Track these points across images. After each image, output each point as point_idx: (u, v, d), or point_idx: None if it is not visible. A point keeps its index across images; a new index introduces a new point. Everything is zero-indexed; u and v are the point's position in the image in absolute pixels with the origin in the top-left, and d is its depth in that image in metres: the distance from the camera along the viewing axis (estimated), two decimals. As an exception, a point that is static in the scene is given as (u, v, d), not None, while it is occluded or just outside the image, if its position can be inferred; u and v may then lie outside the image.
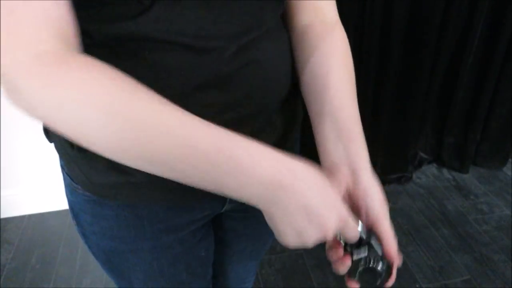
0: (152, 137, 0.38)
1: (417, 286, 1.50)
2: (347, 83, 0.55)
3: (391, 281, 0.51)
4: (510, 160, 2.15)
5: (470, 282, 1.52)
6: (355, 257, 0.49)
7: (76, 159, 0.55)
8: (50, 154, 1.71)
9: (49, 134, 0.60)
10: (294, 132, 0.65)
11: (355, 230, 0.47)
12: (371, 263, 0.49)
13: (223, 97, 0.49)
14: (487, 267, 1.58)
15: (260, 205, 0.42)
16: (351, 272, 0.50)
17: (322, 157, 0.54)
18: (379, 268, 0.49)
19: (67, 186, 0.62)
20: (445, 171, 2.12)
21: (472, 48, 1.80)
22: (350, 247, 0.50)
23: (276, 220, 0.43)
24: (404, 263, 1.59)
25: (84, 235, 0.64)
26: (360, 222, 0.48)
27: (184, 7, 0.44)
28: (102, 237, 0.61)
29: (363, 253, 0.49)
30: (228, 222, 0.74)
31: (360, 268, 0.50)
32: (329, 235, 0.43)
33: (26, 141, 1.67)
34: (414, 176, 2.06)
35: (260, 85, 0.52)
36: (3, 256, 1.62)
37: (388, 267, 0.50)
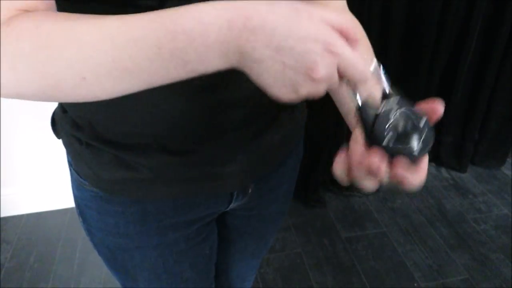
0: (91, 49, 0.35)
1: (415, 285, 1.50)
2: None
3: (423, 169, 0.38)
4: (508, 159, 2.15)
5: (468, 281, 1.53)
6: (381, 110, 0.36)
7: (84, 155, 0.55)
8: (49, 153, 1.71)
9: (57, 130, 0.61)
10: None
11: (360, 63, 0.35)
12: (405, 107, 0.36)
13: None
14: (485, 266, 1.58)
15: (235, 64, 0.36)
16: (378, 139, 0.36)
17: None
18: (421, 124, 0.36)
19: (74, 181, 0.62)
20: (443, 170, 2.12)
21: (471, 47, 1.80)
22: (370, 109, 0.36)
23: (254, 73, 0.36)
24: (402, 262, 1.60)
25: (89, 232, 0.64)
26: (375, 62, 0.37)
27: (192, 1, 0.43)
28: (108, 233, 0.61)
29: (390, 105, 0.36)
30: (231, 220, 0.74)
31: (392, 118, 0.36)
32: (319, 74, 0.33)
33: (24, 140, 1.67)
34: (412, 175, 2.06)
35: None
36: (2, 255, 1.62)
37: (430, 128, 0.37)
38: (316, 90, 0.35)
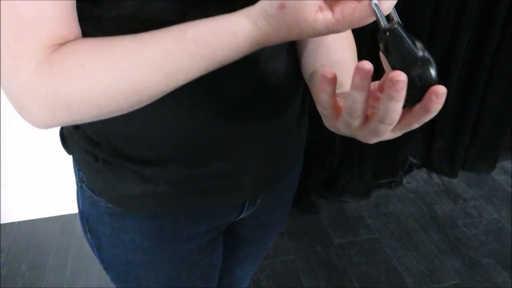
0: (146, 73, 0.39)
1: (407, 290, 1.51)
2: (348, 46, 0.55)
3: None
4: (498, 164, 2.18)
5: (459, 286, 1.54)
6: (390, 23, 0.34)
7: (101, 171, 0.55)
8: (41, 160, 1.70)
9: (68, 146, 0.60)
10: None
11: None
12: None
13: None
14: (476, 272, 1.60)
15: (266, 40, 0.38)
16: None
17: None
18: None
19: (85, 198, 0.61)
20: (434, 175, 2.14)
21: (460, 54, 1.83)
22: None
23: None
24: (394, 267, 1.61)
25: (99, 248, 0.64)
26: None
27: (211, 13, 0.43)
28: (122, 249, 0.61)
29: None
30: (238, 229, 0.75)
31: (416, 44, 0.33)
32: None
33: (15, 148, 1.66)
34: (404, 181, 2.08)
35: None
36: (-7, 263, 1.60)
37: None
38: None
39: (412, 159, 2.15)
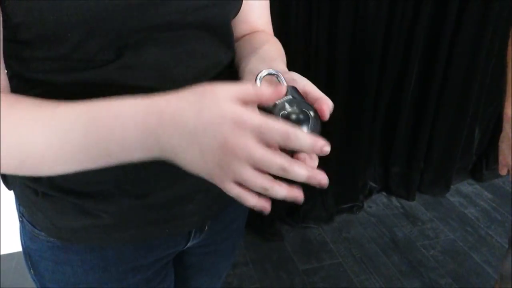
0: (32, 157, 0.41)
1: (370, 314, 1.53)
2: (277, 50, 0.59)
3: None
4: (453, 187, 2.28)
5: (420, 307, 1.58)
6: (279, 101, 0.41)
7: (41, 205, 0.55)
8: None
9: (8, 182, 0.59)
10: None
11: (276, 124, 0.36)
12: (298, 104, 0.41)
13: None
14: (435, 292, 1.65)
15: (159, 157, 0.40)
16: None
17: (243, 76, 0.53)
18: (311, 112, 0.42)
19: (26, 233, 0.60)
20: (394, 199, 2.21)
21: (410, 85, 1.94)
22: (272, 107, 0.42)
23: (182, 163, 0.39)
24: (358, 291, 1.63)
25: (42, 284, 0.62)
26: (274, 71, 0.44)
27: (147, 53, 0.47)
28: (65, 284, 0.60)
29: (286, 97, 0.42)
30: (188, 258, 0.75)
31: (287, 106, 0.41)
32: (234, 148, 0.36)
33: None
34: (365, 205, 2.14)
35: None
36: None
37: (316, 113, 0.43)
38: (239, 161, 0.36)
39: (372, 184, 2.21)
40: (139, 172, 0.52)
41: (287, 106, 0.41)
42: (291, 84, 0.46)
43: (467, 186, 2.32)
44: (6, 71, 0.45)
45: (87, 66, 0.45)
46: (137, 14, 0.44)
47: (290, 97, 0.42)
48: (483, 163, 2.33)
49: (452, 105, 2.04)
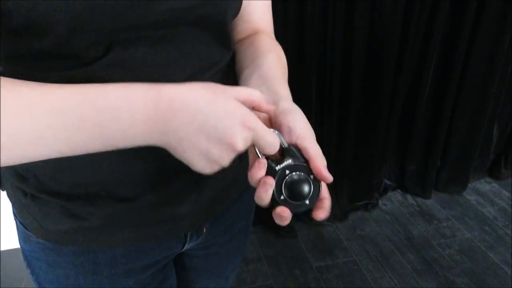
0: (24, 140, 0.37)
1: (385, 312, 1.52)
2: (279, 66, 0.57)
3: (324, 208, 0.44)
4: (470, 185, 2.25)
5: (435, 306, 1.56)
6: (279, 167, 0.43)
7: (29, 207, 0.54)
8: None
9: (1, 182, 0.59)
10: None
11: (271, 137, 0.41)
12: (299, 171, 0.43)
13: None
14: (451, 291, 1.63)
15: (159, 143, 0.40)
16: (276, 195, 0.43)
17: None
18: (311, 177, 0.43)
19: (20, 233, 0.60)
20: (409, 197, 2.19)
21: (427, 82, 1.91)
22: (272, 163, 0.43)
23: (179, 150, 0.40)
24: (372, 290, 1.62)
25: (39, 284, 0.62)
26: (276, 132, 0.43)
27: (137, 51, 0.45)
28: (58, 285, 0.59)
29: (287, 161, 0.43)
30: (189, 261, 0.73)
31: (287, 177, 0.43)
32: (240, 147, 0.39)
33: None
34: (380, 202, 2.12)
35: None
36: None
37: (317, 182, 0.44)
38: (231, 157, 0.40)
39: (387, 181, 2.19)
40: (127, 174, 0.51)
41: (287, 173, 0.43)
42: (296, 142, 0.45)
43: (485, 185, 2.28)
44: None
45: (75, 63, 0.43)
46: (126, 11, 0.41)
47: (290, 162, 0.43)
48: (501, 162, 2.29)
49: (470, 102, 2.01)
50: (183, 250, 0.66)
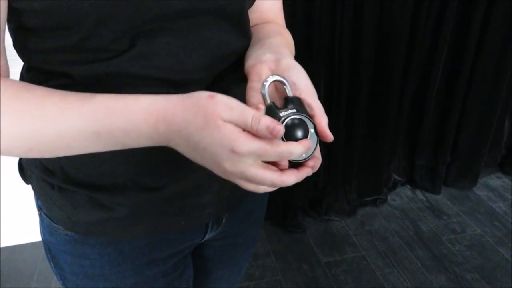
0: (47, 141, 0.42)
1: (394, 308, 1.52)
2: (284, 42, 0.58)
3: (315, 162, 0.44)
4: (480, 180, 2.22)
5: (445, 302, 1.55)
6: (283, 113, 0.43)
7: (57, 199, 0.55)
8: (22, 185, 1.68)
9: (26, 176, 0.60)
10: None
11: (271, 152, 0.40)
12: (301, 115, 0.43)
13: None
14: (461, 287, 1.61)
15: (169, 146, 0.44)
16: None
17: (247, 61, 0.53)
18: (311, 131, 0.43)
19: (45, 227, 0.61)
20: (418, 192, 2.17)
21: (437, 76, 1.89)
22: (276, 109, 0.44)
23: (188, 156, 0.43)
24: (381, 285, 1.62)
25: (62, 277, 0.63)
26: (283, 79, 0.45)
27: (160, 42, 0.47)
28: (84, 277, 0.61)
29: (291, 109, 0.43)
30: (207, 251, 0.75)
31: (289, 118, 0.43)
32: (230, 170, 0.40)
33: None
34: (389, 198, 2.11)
35: None
36: (-27, 292, 1.56)
37: (317, 137, 0.44)
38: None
39: (396, 176, 2.18)
40: (154, 164, 0.52)
41: (289, 122, 0.43)
42: (293, 91, 0.46)
43: (496, 180, 2.26)
44: (7, 58, 0.46)
45: (100, 56, 0.45)
46: (150, 2, 0.44)
47: (294, 110, 0.43)
48: (512, 157, 2.27)
49: (480, 97, 1.98)
50: (203, 240, 0.68)
